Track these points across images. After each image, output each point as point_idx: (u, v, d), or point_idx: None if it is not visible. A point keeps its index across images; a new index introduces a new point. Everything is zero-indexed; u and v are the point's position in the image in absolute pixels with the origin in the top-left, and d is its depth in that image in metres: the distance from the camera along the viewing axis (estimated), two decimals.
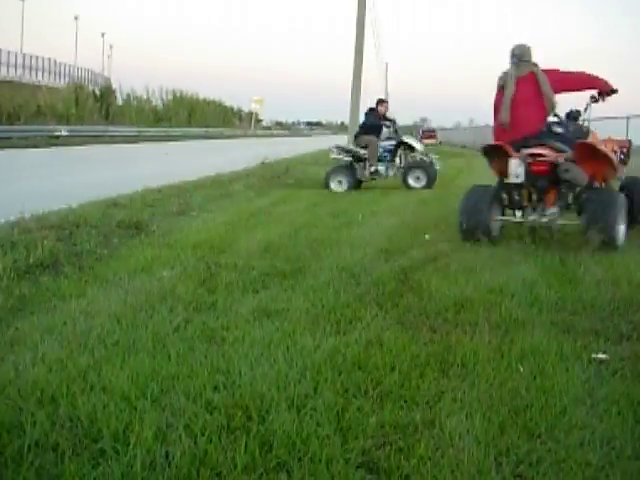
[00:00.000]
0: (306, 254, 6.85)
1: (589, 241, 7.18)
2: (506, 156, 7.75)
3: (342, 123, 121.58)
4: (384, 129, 16.95)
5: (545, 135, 7.97)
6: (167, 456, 2.79)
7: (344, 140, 24.47)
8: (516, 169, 7.62)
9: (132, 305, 4.80)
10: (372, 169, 15.94)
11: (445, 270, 6.28)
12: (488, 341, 4.29)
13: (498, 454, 2.92)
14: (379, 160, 16.09)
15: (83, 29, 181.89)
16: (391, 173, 16.29)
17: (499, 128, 8.21)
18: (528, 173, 7.66)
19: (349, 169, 15.93)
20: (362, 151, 15.88)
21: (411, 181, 15.97)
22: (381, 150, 16.15)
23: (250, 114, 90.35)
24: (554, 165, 7.68)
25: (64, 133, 37.75)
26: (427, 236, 7.85)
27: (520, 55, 8.17)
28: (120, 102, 65.24)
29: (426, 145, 22.65)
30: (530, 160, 7.67)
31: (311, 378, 3.57)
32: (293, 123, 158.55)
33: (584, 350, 4.22)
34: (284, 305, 4.93)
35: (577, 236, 7.68)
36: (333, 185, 15.33)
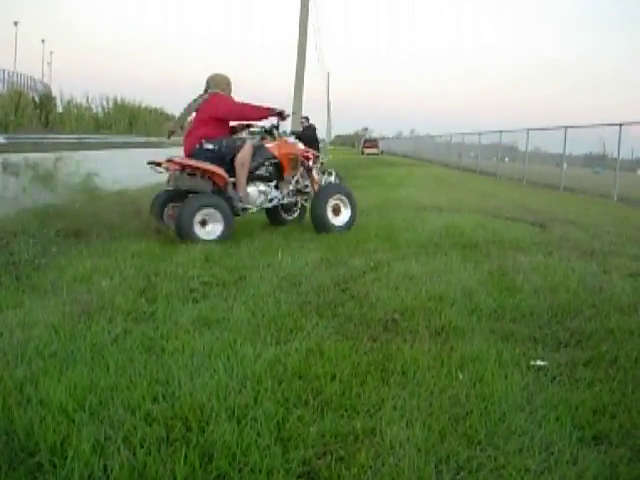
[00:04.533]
0: (247, 263, 6.83)
1: None
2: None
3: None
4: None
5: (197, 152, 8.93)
6: (105, 469, 2.75)
7: None
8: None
9: (70, 316, 4.72)
10: None
11: (385, 279, 6.31)
12: (428, 349, 4.32)
13: (438, 462, 2.94)
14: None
15: (23, 35, 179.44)
16: None
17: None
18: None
19: None
20: None
21: None
22: None
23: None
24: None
25: (2, 141, 37.07)
26: None
27: (211, 83, 9.40)
28: (60, 109, 64.34)
29: (368, 155, 22.58)
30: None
31: (251, 388, 3.56)
32: None
33: (523, 357, 4.27)
34: (224, 315, 4.90)
35: None
36: None
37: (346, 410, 3.39)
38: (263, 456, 2.87)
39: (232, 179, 8.92)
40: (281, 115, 9.52)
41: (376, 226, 10.17)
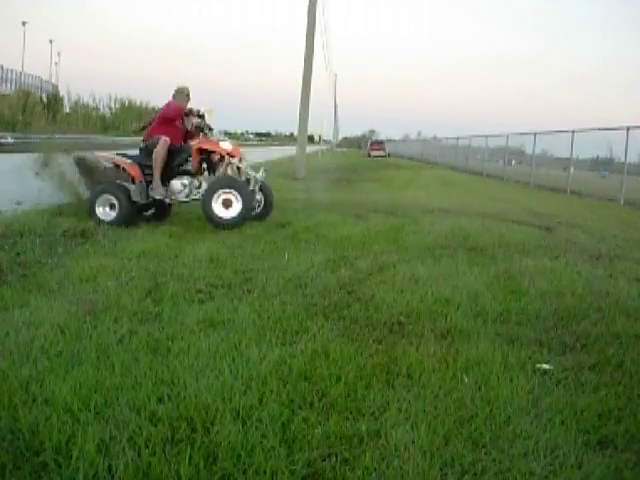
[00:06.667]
0: (252, 264, 6.83)
1: None
2: None
3: (291, 134, 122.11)
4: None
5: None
6: (110, 469, 2.75)
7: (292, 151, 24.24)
8: None
9: (76, 315, 4.73)
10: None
11: (391, 281, 6.30)
12: (433, 352, 4.32)
13: (443, 464, 2.93)
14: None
15: (31, 35, 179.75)
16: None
17: None
18: None
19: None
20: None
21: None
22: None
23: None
24: None
25: (10, 140, 37.07)
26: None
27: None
28: (67, 109, 64.42)
29: (374, 157, 22.08)
30: None
31: (256, 389, 3.56)
32: (242, 134, 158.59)
33: (528, 361, 4.27)
34: (230, 316, 4.90)
35: None
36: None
37: (351, 412, 3.39)
38: (268, 457, 2.87)
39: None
40: (192, 113, 10.32)
41: (382, 228, 10.17)
